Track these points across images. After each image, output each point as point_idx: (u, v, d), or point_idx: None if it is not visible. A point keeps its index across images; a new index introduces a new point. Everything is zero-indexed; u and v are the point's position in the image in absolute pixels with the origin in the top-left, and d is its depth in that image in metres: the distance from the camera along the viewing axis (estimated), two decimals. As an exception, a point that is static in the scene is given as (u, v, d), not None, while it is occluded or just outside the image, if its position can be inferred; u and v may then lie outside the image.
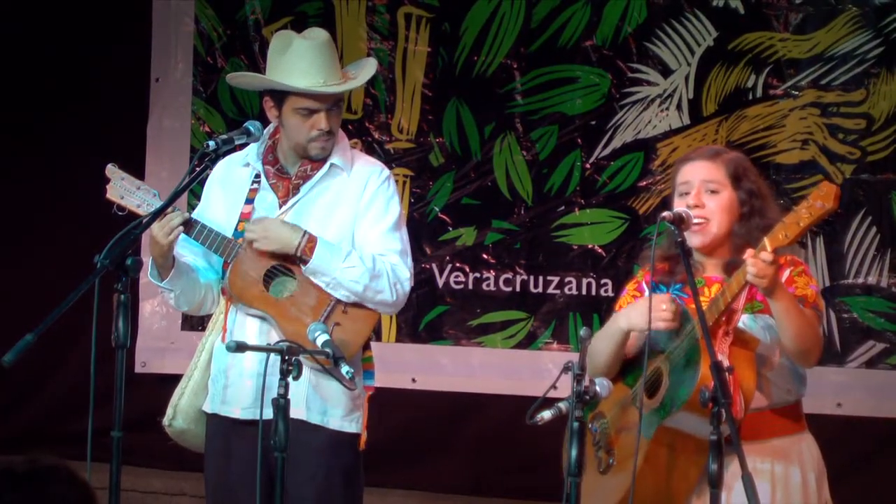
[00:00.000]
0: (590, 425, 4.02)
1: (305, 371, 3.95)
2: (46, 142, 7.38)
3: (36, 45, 7.43)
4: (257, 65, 6.89)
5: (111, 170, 4.57)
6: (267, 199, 4.54)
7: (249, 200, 4.55)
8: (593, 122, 6.76)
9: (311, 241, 4.40)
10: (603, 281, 6.71)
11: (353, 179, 4.55)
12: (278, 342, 3.93)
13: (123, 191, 4.54)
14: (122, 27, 7.33)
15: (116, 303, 3.82)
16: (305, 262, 4.40)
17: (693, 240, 4.00)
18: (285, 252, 4.42)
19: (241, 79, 4.97)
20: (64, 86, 7.37)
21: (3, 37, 7.43)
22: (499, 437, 6.68)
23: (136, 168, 6.02)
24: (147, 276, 4.54)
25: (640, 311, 3.90)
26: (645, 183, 6.67)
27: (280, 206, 4.52)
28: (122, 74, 7.30)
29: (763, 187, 4.10)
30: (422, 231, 6.88)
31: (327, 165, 4.52)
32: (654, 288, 4.06)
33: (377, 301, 4.46)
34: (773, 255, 3.70)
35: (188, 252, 4.58)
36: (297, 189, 4.52)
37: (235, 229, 4.52)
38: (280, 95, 4.49)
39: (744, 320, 3.91)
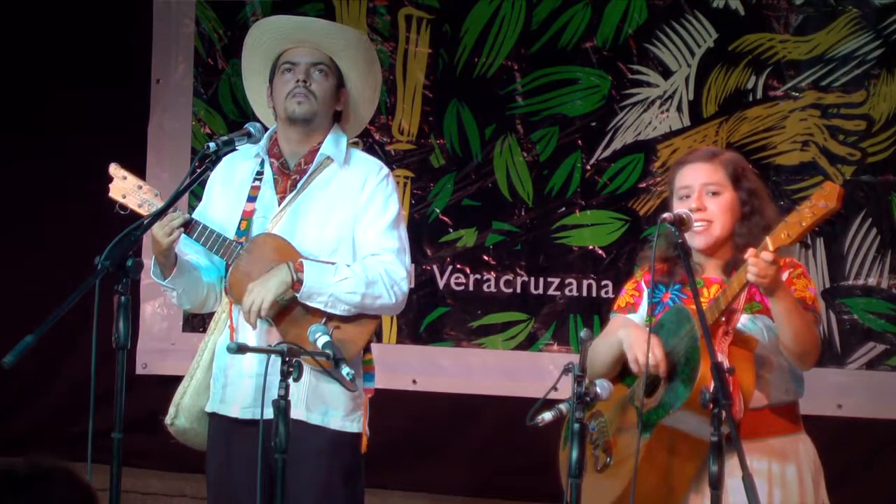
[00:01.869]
0: (587, 423, 4.02)
1: (305, 373, 3.95)
2: (47, 143, 7.39)
3: (37, 46, 7.43)
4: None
5: (114, 168, 4.59)
6: (267, 197, 4.54)
7: (252, 198, 4.55)
8: (594, 124, 6.76)
9: (298, 265, 4.40)
10: (603, 282, 6.71)
11: (352, 177, 4.55)
12: (279, 343, 3.93)
13: (126, 190, 4.56)
14: (122, 28, 7.33)
15: (117, 304, 3.82)
16: (301, 283, 4.39)
17: (696, 241, 4.00)
18: (286, 289, 4.40)
19: (246, 63, 4.86)
20: (65, 87, 7.37)
21: (3, 38, 7.44)
22: (499, 439, 6.68)
23: (137, 169, 6.01)
24: (150, 276, 4.55)
25: (637, 341, 3.90)
26: (645, 184, 6.67)
27: (279, 203, 4.52)
28: (123, 75, 7.30)
29: (760, 186, 4.11)
30: (422, 232, 6.89)
31: (319, 157, 4.52)
32: (654, 287, 4.07)
33: (377, 307, 4.46)
34: (775, 255, 3.71)
35: (190, 250, 4.59)
36: (294, 185, 4.53)
37: (238, 228, 4.52)
38: (273, 68, 4.57)
39: (743, 321, 3.92)
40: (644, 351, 3.83)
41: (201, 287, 4.60)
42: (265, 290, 4.36)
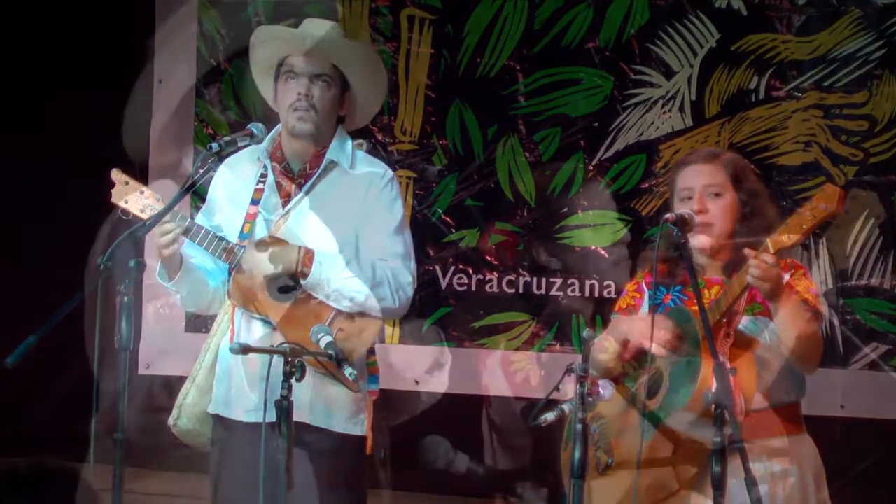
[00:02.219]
0: (589, 424, 4.02)
1: (308, 375, 3.94)
2: (49, 144, 7.39)
3: (37, 46, 7.43)
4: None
5: (116, 174, 4.58)
6: (270, 200, 4.53)
7: (255, 201, 4.54)
8: (596, 124, 6.76)
9: (308, 254, 4.39)
10: (606, 283, 6.71)
11: (356, 181, 4.53)
12: (281, 344, 3.93)
13: (127, 195, 4.55)
14: (124, 28, 7.33)
15: (120, 305, 3.82)
16: (305, 276, 4.39)
17: (697, 242, 4.00)
18: (285, 272, 4.40)
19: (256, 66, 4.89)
20: (67, 87, 7.37)
21: (4, 38, 7.44)
22: (500, 439, 6.68)
23: (139, 169, 6.03)
24: (152, 277, 4.54)
25: (641, 327, 3.89)
26: (647, 184, 6.67)
27: (283, 207, 4.51)
28: (125, 75, 7.30)
29: (761, 187, 4.11)
30: (425, 233, 6.88)
31: (325, 161, 4.51)
32: (655, 289, 4.06)
33: (380, 308, 4.44)
34: (775, 258, 3.70)
35: (196, 253, 4.58)
36: (299, 189, 4.52)
37: (241, 231, 4.51)
38: (278, 72, 4.54)
39: (744, 322, 3.91)
40: (650, 335, 3.82)
41: (206, 289, 4.60)
42: (265, 268, 4.36)
